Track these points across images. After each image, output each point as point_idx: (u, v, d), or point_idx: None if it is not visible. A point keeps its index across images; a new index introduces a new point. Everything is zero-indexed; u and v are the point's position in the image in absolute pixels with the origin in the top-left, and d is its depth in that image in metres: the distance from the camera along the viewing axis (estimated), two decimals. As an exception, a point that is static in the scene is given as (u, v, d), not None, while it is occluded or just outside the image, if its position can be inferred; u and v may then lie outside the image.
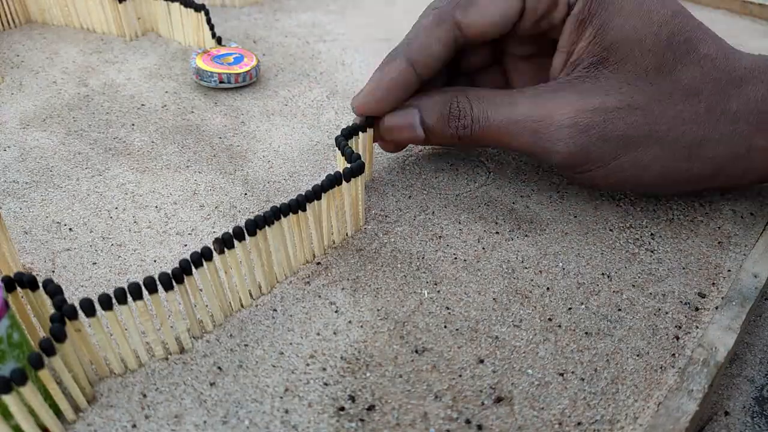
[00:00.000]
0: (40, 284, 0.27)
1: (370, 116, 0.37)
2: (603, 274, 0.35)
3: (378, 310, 0.32)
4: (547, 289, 0.34)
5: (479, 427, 0.27)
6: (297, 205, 0.31)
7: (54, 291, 0.26)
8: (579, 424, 0.27)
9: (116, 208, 0.38)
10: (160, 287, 0.27)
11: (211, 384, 0.28)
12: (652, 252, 0.36)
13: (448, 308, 0.32)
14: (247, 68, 0.50)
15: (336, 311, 0.32)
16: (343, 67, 0.55)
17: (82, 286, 0.33)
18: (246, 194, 0.40)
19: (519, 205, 0.39)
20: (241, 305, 0.32)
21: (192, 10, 0.54)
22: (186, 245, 0.36)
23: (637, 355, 0.30)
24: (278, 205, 0.31)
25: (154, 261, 0.35)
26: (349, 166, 0.34)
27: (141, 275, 0.34)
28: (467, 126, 0.36)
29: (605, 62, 0.34)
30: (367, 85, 0.37)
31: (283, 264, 0.33)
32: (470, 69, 0.41)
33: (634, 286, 0.34)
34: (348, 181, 0.33)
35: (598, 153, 0.34)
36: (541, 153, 0.35)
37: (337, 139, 0.36)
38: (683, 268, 0.35)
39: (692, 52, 0.33)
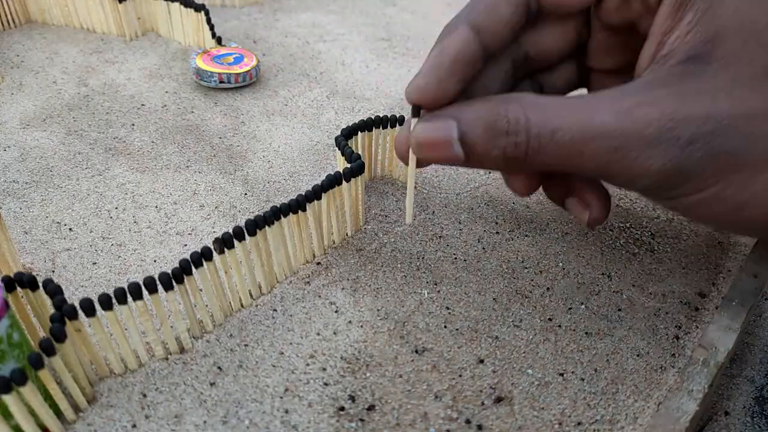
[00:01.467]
0: (40, 284, 0.27)
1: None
2: (603, 274, 0.35)
3: (378, 310, 0.32)
4: (547, 289, 0.34)
5: (479, 427, 0.27)
6: (297, 205, 0.31)
7: (54, 291, 0.26)
8: (579, 424, 0.27)
9: (116, 208, 0.38)
10: (160, 287, 0.27)
11: (211, 384, 0.28)
12: (652, 252, 0.36)
13: (448, 308, 0.32)
14: (247, 68, 0.50)
15: (336, 311, 0.32)
16: (343, 67, 0.55)
17: (82, 286, 0.33)
18: (246, 194, 0.40)
19: (519, 205, 0.39)
20: (241, 305, 0.32)
21: (192, 10, 0.54)
22: (186, 245, 0.36)
23: (637, 355, 0.30)
24: (278, 205, 0.31)
25: (154, 261, 0.35)
26: (349, 166, 0.34)
27: (141, 275, 0.34)
28: (521, 144, 0.26)
29: (709, 56, 0.26)
30: (424, 66, 0.28)
31: (283, 264, 0.33)
32: (552, 91, 0.34)
33: (634, 286, 0.34)
34: (348, 181, 0.33)
35: (697, 174, 0.25)
36: (623, 175, 0.26)
37: (337, 139, 0.36)
38: (683, 268, 0.35)
39: None
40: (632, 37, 0.30)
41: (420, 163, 0.31)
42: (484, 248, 0.36)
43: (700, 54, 0.26)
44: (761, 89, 0.25)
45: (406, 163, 0.31)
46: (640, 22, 0.29)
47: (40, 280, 0.31)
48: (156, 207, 0.38)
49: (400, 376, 0.29)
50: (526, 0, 0.29)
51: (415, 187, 0.40)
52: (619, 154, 0.25)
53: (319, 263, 0.34)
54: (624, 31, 0.31)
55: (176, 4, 0.54)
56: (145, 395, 0.27)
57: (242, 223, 0.30)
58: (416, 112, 0.29)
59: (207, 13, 0.53)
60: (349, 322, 0.31)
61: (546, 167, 0.27)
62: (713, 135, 0.25)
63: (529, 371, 0.29)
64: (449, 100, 0.28)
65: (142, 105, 0.48)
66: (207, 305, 0.30)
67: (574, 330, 0.31)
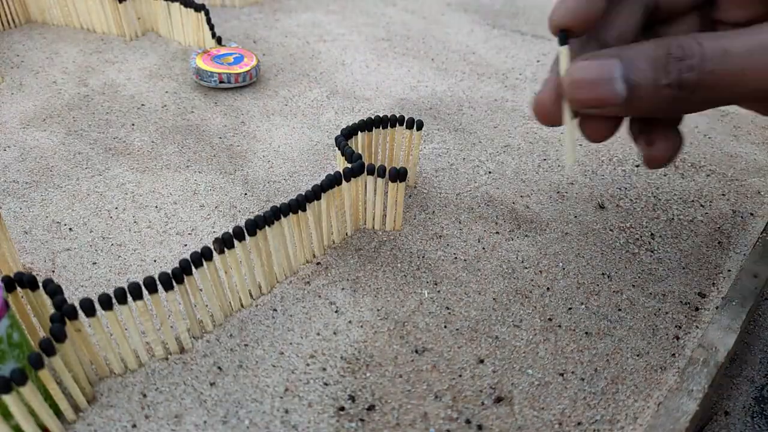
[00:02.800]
0: (40, 284, 0.27)
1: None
2: (603, 274, 0.35)
3: (378, 310, 0.32)
4: (547, 289, 0.34)
5: (479, 427, 0.27)
6: (297, 205, 0.31)
7: (54, 291, 0.26)
8: (579, 424, 0.27)
9: (116, 208, 0.38)
10: (160, 287, 0.27)
11: (211, 384, 0.28)
12: (652, 252, 0.36)
13: (448, 308, 0.32)
14: (247, 68, 0.50)
15: (336, 311, 0.32)
16: (343, 67, 0.55)
17: (82, 286, 0.33)
18: (246, 194, 0.40)
19: (519, 205, 0.39)
20: (241, 305, 0.32)
21: (192, 10, 0.54)
22: (186, 245, 0.36)
23: (637, 355, 0.30)
24: (278, 205, 0.31)
25: (154, 261, 0.35)
26: (349, 165, 0.34)
27: (141, 275, 0.34)
28: (695, 66, 0.26)
29: None
30: None
31: (283, 264, 0.33)
32: None
33: (634, 286, 0.34)
34: (348, 180, 0.33)
35: None
36: None
37: (337, 139, 0.36)
38: (683, 268, 0.35)
39: None
40: None
41: (595, 128, 0.30)
42: (484, 248, 0.36)
43: None
44: None
45: (551, 124, 0.30)
46: None
47: (40, 280, 0.31)
48: (156, 207, 0.38)
49: (400, 376, 0.29)
50: None
51: (416, 186, 0.40)
52: None
53: (319, 263, 0.34)
54: None
55: (176, 4, 0.54)
56: (145, 395, 0.27)
57: (242, 223, 0.30)
58: (564, 39, 0.28)
59: (207, 13, 0.53)
60: (349, 322, 0.31)
61: (719, 94, 0.27)
62: None
63: (529, 371, 0.29)
64: (594, 23, 0.28)
65: (142, 105, 0.48)
66: (207, 305, 0.30)
67: (574, 330, 0.31)
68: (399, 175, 0.34)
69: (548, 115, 0.31)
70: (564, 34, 0.28)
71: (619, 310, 0.33)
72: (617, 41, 0.30)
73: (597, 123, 0.30)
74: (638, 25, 0.31)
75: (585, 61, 0.28)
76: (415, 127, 0.38)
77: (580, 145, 0.45)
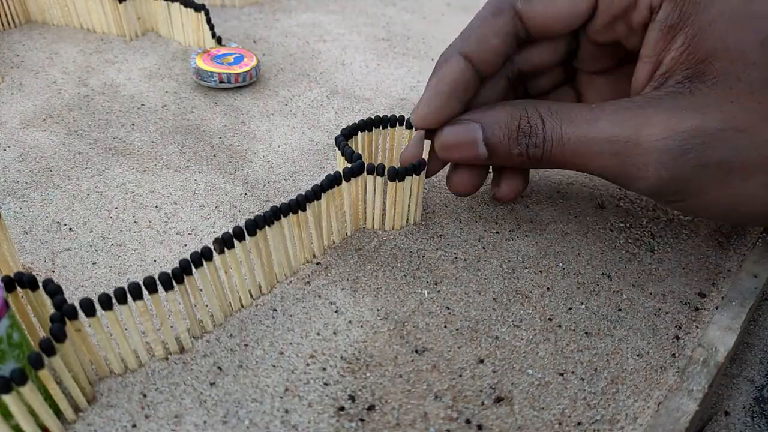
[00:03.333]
0: (40, 284, 0.27)
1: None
2: (603, 274, 0.35)
3: (378, 309, 0.32)
4: (547, 289, 0.34)
5: (479, 427, 0.27)
6: (297, 205, 0.31)
7: (54, 291, 0.26)
8: (579, 424, 0.27)
9: (116, 208, 0.38)
10: (160, 287, 0.27)
11: (211, 384, 0.28)
12: (652, 252, 0.36)
13: (448, 308, 0.32)
14: (247, 68, 0.50)
15: (336, 311, 0.32)
16: (343, 67, 0.55)
17: (82, 286, 0.33)
18: (246, 194, 0.40)
19: (519, 205, 0.39)
20: (241, 305, 0.32)
21: (192, 10, 0.54)
22: (186, 245, 0.36)
23: (637, 355, 0.30)
24: (278, 205, 0.31)
25: (154, 261, 0.35)
26: (349, 166, 0.34)
27: (141, 275, 0.34)
28: (538, 145, 0.31)
29: (702, 76, 0.28)
30: (425, 94, 0.33)
31: (283, 264, 0.33)
32: (539, 91, 0.37)
33: (634, 286, 0.34)
34: (348, 180, 0.33)
35: (693, 182, 0.29)
36: (624, 179, 0.30)
37: (337, 139, 0.36)
38: (683, 268, 0.35)
39: None
40: (617, 47, 0.33)
41: (433, 171, 0.36)
42: (484, 248, 0.36)
43: (695, 74, 0.28)
44: (747, 105, 0.28)
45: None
46: (626, 40, 0.32)
47: (40, 280, 0.31)
48: (156, 207, 0.38)
49: (400, 376, 0.29)
50: (514, 30, 0.32)
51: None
52: (618, 160, 0.29)
53: (319, 263, 0.34)
54: (610, 45, 0.33)
55: (176, 4, 0.54)
56: (145, 395, 0.27)
57: (242, 223, 0.30)
58: (428, 134, 0.34)
59: (207, 13, 0.53)
60: (349, 322, 0.31)
61: (561, 166, 0.32)
62: (704, 146, 0.28)
63: (529, 371, 0.29)
64: (448, 120, 0.33)
65: (142, 105, 0.48)
66: (207, 305, 0.30)
67: (574, 330, 0.31)
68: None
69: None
70: (429, 131, 0.33)
71: (619, 310, 0.33)
72: (481, 105, 0.34)
73: (462, 176, 0.35)
74: (503, 93, 0.35)
75: (452, 127, 0.33)
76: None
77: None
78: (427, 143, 0.35)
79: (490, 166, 0.38)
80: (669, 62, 0.29)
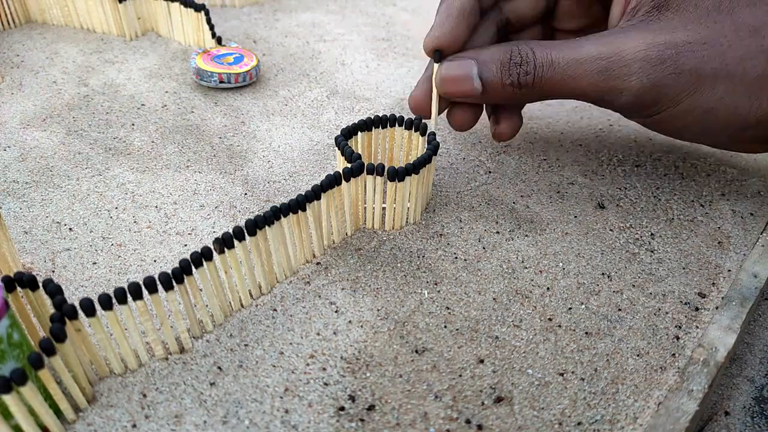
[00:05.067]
0: (40, 284, 0.27)
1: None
2: (603, 274, 0.35)
3: (378, 309, 0.32)
4: (547, 289, 0.34)
5: (479, 427, 0.27)
6: (297, 205, 0.31)
7: (54, 291, 0.26)
8: (579, 424, 0.27)
9: (116, 208, 0.38)
10: (160, 287, 0.27)
11: (211, 384, 0.28)
12: (652, 252, 0.36)
13: (448, 308, 0.32)
14: (247, 68, 0.50)
15: (336, 311, 0.32)
16: (343, 67, 0.55)
17: (82, 286, 0.33)
18: (246, 194, 0.40)
19: (519, 205, 0.39)
20: (241, 305, 0.32)
21: (192, 10, 0.54)
22: (186, 245, 0.36)
23: (637, 355, 0.30)
24: (278, 205, 0.31)
25: (154, 261, 0.35)
26: (349, 166, 0.34)
27: (141, 275, 0.34)
28: (529, 72, 0.35)
29: (666, 5, 0.34)
30: (436, 19, 0.36)
31: (283, 264, 0.33)
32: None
33: (634, 286, 0.34)
34: (348, 180, 0.33)
35: (670, 89, 0.33)
36: (609, 92, 0.34)
37: (337, 139, 0.36)
38: (683, 268, 0.35)
39: None
40: (591, 3, 0.39)
41: (441, 108, 0.39)
42: (484, 248, 0.36)
43: (660, 4, 0.34)
44: (706, 24, 0.33)
45: (423, 116, 0.38)
46: None
47: (40, 280, 0.31)
48: (156, 207, 0.38)
49: (400, 376, 0.29)
50: None
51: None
52: (604, 75, 0.34)
53: (319, 263, 0.34)
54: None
55: (176, 4, 0.54)
56: (145, 395, 0.27)
57: (242, 223, 0.30)
58: (438, 58, 0.37)
59: (207, 13, 0.53)
60: (349, 322, 0.31)
61: (551, 91, 0.35)
62: (677, 56, 0.33)
63: (529, 371, 0.29)
64: (460, 44, 0.37)
65: (142, 105, 0.48)
66: (207, 305, 0.30)
67: (574, 330, 0.31)
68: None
69: (421, 110, 0.39)
70: (438, 54, 0.37)
71: (619, 310, 0.33)
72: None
73: (461, 113, 0.39)
74: (493, 38, 0.39)
75: (449, 62, 0.36)
76: (419, 131, 0.38)
77: (580, 145, 0.45)
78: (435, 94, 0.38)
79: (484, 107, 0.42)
80: None
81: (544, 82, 0.35)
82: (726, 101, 0.34)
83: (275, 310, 0.32)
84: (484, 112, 0.43)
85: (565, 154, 0.44)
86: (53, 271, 0.34)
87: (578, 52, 0.34)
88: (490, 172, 0.42)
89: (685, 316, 0.32)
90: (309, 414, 0.27)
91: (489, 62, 0.36)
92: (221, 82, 0.49)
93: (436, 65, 0.37)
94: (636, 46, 0.33)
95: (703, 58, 0.33)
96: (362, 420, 0.27)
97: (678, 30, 0.33)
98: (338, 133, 0.37)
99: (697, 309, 0.33)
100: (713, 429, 0.29)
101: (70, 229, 0.36)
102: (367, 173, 0.34)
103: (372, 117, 0.38)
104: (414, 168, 0.34)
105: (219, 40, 0.53)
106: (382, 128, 0.39)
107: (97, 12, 0.56)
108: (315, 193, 0.32)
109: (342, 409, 0.27)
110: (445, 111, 0.40)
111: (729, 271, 0.35)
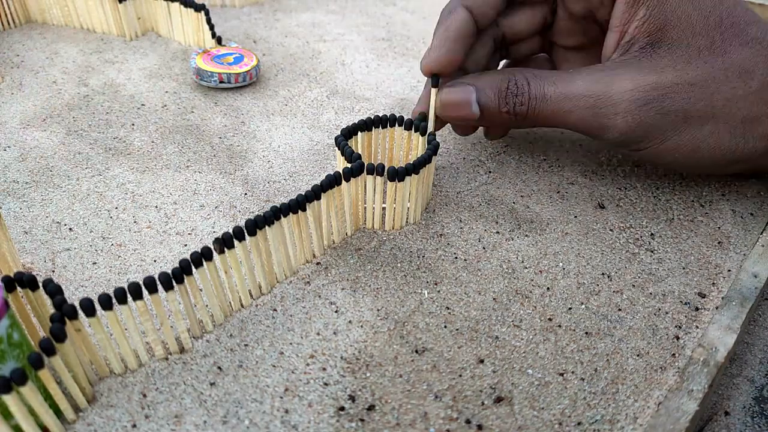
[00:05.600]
0: (40, 284, 0.27)
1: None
2: (603, 274, 0.35)
3: (378, 309, 0.32)
4: (547, 289, 0.34)
5: (479, 427, 0.27)
6: (297, 205, 0.31)
7: (54, 291, 0.26)
8: (579, 424, 0.27)
9: (116, 208, 0.38)
10: (160, 287, 0.27)
11: (211, 384, 0.28)
12: (652, 252, 0.36)
13: (448, 308, 0.32)
14: (247, 68, 0.50)
15: (336, 311, 0.32)
16: (343, 67, 0.55)
17: (82, 286, 0.33)
18: (246, 194, 0.40)
19: (519, 205, 0.39)
20: (241, 305, 0.32)
21: (192, 10, 0.54)
22: (186, 245, 0.36)
23: (637, 355, 0.30)
24: (278, 205, 0.31)
25: (154, 261, 0.35)
26: (349, 166, 0.34)
27: (141, 275, 0.34)
28: (524, 103, 0.36)
29: (659, 42, 0.35)
30: (434, 41, 0.37)
31: (283, 264, 0.33)
32: (519, 57, 0.43)
33: (634, 286, 0.34)
34: (348, 180, 0.33)
35: (656, 128, 0.35)
36: (597, 129, 0.35)
37: (337, 139, 0.36)
38: (683, 268, 0.35)
39: (741, 34, 0.35)
40: (589, 23, 0.40)
41: (438, 125, 0.39)
42: (484, 248, 0.36)
43: (654, 41, 0.35)
44: (696, 64, 0.34)
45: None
46: (597, 11, 0.38)
47: (40, 280, 0.31)
48: (156, 207, 0.38)
49: (400, 376, 0.29)
50: None
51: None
52: (592, 111, 0.35)
53: (319, 263, 0.34)
54: (583, 18, 0.39)
55: (176, 4, 0.54)
56: (145, 395, 0.27)
57: (242, 223, 0.30)
58: (435, 82, 0.37)
59: (207, 13, 0.53)
60: (349, 322, 0.31)
61: (543, 122, 0.37)
62: (663, 97, 0.34)
63: (529, 371, 0.29)
64: (457, 66, 0.38)
65: (142, 105, 0.48)
66: (207, 305, 0.30)
67: (574, 330, 0.31)
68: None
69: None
70: (436, 78, 0.37)
71: (619, 310, 0.33)
72: (474, 66, 0.40)
73: (461, 128, 0.41)
74: (489, 54, 0.41)
75: (450, 88, 0.37)
76: (419, 131, 0.38)
77: (580, 145, 0.45)
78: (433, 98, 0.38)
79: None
80: (633, 31, 0.35)
81: (536, 114, 0.36)
82: (711, 140, 0.35)
83: (275, 310, 0.32)
84: None
85: (565, 154, 0.44)
86: (53, 271, 0.34)
87: (569, 88, 0.35)
88: (490, 172, 0.42)
89: (685, 316, 0.32)
90: (309, 414, 0.27)
91: (488, 89, 0.37)
92: (221, 82, 0.49)
93: (433, 94, 0.38)
94: (624, 87, 0.34)
95: (689, 100, 0.34)
96: (362, 420, 0.27)
97: (667, 70, 0.34)
98: (338, 133, 0.37)
99: (697, 309, 0.33)
100: (713, 429, 0.29)
101: (70, 229, 0.36)
102: (367, 173, 0.34)
103: (372, 117, 0.38)
104: (414, 168, 0.34)
105: (219, 40, 0.53)
106: (382, 128, 0.39)
107: (97, 12, 0.56)
108: (315, 193, 0.32)
109: (342, 409, 0.27)
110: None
111: (729, 271, 0.35)
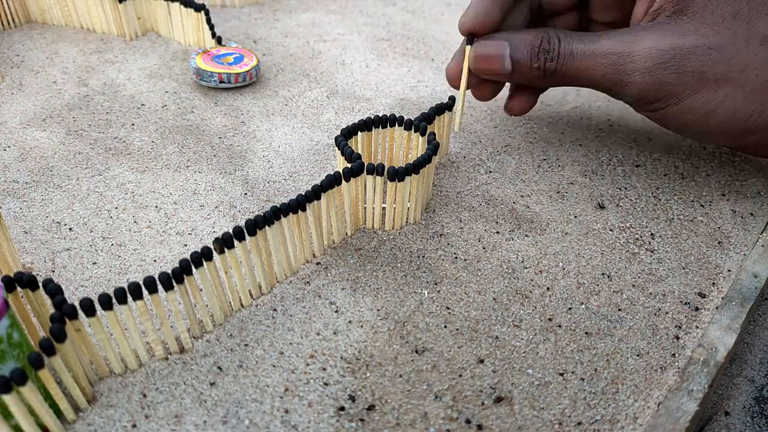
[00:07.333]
0: (40, 284, 0.27)
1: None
2: (603, 274, 0.35)
3: (378, 309, 0.32)
4: (547, 289, 0.34)
5: (479, 427, 0.27)
6: (297, 205, 0.31)
7: (54, 291, 0.26)
8: (579, 424, 0.27)
9: (116, 208, 0.38)
10: (160, 287, 0.27)
11: (211, 384, 0.28)
12: (652, 252, 0.36)
13: (448, 308, 0.32)
14: (247, 68, 0.50)
15: (336, 311, 0.32)
16: (343, 67, 0.55)
17: (82, 286, 0.33)
18: (246, 194, 0.40)
19: (519, 205, 0.39)
20: (241, 305, 0.32)
21: (192, 10, 0.54)
22: (186, 245, 0.36)
23: (637, 355, 0.30)
24: (278, 205, 0.31)
25: (154, 261, 0.35)
26: (349, 166, 0.34)
27: (141, 275, 0.34)
28: (554, 59, 0.38)
29: (685, 10, 0.36)
30: (473, 2, 0.39)
31: (283, 264, 0.33)
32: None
33: (634, 286, 0.34)
34: (348, 180, 0.33)
35: (672, 87, 0.36)
36: (617, 85, 0.37)
37: (337, 139, 0.36)
38: (683, 268, 0.35)
39: (767, 3, 0.35)
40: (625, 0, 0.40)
41: (471, 83, 0.41)
42: (484, 248, 0.36)
43: (681, 9, 0.36)
44: (718, 30, 0.35)
45: (456, 87, 0.41)
46: None
47: (40, 280, 0.31)
48: (156, 207, 0.38)
49: (400, 376, 0.29)
50: None
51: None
52: (614, 68, 0.37)
53: (319, 263, 0.34)
54: None
55: (176, 4, 0.54)
56: (145, 395, 0.27)
57: (242, 223, 0.30)
58: (470, 40, 0.40)
59: (207, 13, 0.53)
60: (349, 322, 0.31)
61: (569, 78, 0.39)
62: (681, 58, 0.35)
63: (529, 371, 0.29)
64: (494, 26, 0.39)
65: (142, 105, 0.48)
66: (207, 305, 0.30)
67: (574, 330, 0.31)
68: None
69: (453, 81, 0.42)
70: (471, 37, 0.39)
71: (619, 310, 0.33)
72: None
73: (485, 88, 0.42)
74: (525, 22, 0.42)
75: (484, 41, 0.39)
76: (419, 131, 0.38)
77: (580, 145, 0.45)
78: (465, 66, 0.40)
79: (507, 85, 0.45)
80: (660, 0, 0.37)
81: (564, 70, 0.38)
82: (727, 105, 0.35)
83: (275, 310, 0.32)
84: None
85: (565, 154, 0.44)
86: (53, 271, 0.34)
87: (595, 45, 0.37)
88: (490, 171, 0.42)
89: (685, 316, 0.32)
90: (309, 414, 0.27)
91: (520, 45, 0.38)
92: (221, 82, 0.49)
93: (467, 51, 0.39)
94: (644, 46, 0.35)
95: (707, 62, 0.35)
96: (362, 420, 0.27)
97: (688, 35, 0.35)
98: (338, 133, 0.37)
99: (697, 309, 0.33)
100: (713, 429, 0.29)
101: (70, 229, 0.36)
102: (367, 173, 0.34)
103: (372, 117, 0.38)
104: (414, 168, 0.34)
105: (219, 40, 0.53)
106: (382, 128, 0.39)
107: (97, 12, 0.56)
108: (315, 193, 0.32)
109: (342, 409, 0.27)
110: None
111: (729, 271, 0.35)
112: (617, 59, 0.36)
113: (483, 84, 0.42)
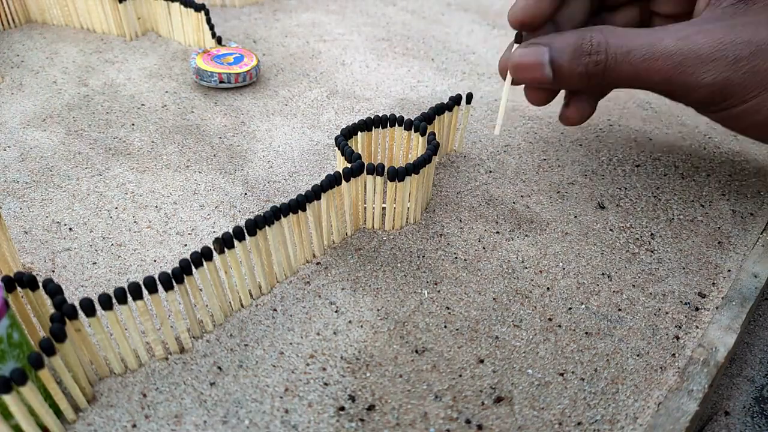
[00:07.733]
0: (40, 284, 0.27)
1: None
2: (603, 274, 0.35)
3: (378, 309, 0.32)
4: (547, 289, 0.34)
5: (479, 427, 0.27)
6: (297, 205, 0.31)
7: (54, 291, 0.26)
8: (579, 424, 0.27)
9: (116, 208, 0.38)
10: (160, 287, 0.27)
11: (211, 384, 0.28)
12: (652, 252, 0.36)
13: (448, 308, 0.32)
14: (247, 68, 0.50)
15: (336, 311, 0.32)
16: (343, 67, 0.55)
17: (82, 286, 0.33)
18: (246, 194, 0.40)
19: (519, 205, 0.39)
20: (241, 305, 0.32)
21: (192, 10, 0.54)
22: (186, 245, 0.36)
23: (637, 355, 0.30)
24: (278, 205, 0.31)
25: (154, 261, 0.35)
26: (349, 165, 0.34)
27: (141, 275, 0.34)
28: (600, 62, 0.34)
29: None
30: None
31: (283, 264, 0.33)
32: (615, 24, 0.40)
33: (634, 286, 0.34)
34: (348, 180, 0.33)
35: (742, 87, 0.33)
36: (682, 87, 0.34)
37: (337, 139, 0.36)
38: (683, 268, 0.35)
39: None
40: None
41: (516, 82, 0.38)
42: (484, 248, 0.36)
43: None
44: None
45: (505, 79, 0.38)
46: None
47: (40, 280, 0.31)
48: (156, 207, 0.38)
49: (400, 376, 0.29)
50: None
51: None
52: (678, 70, 0.33)
53: (319, 263, 0.34)
54: None
55: (176, 4, 0.54)
56: (145, 395, 0.27)
57: (242, 223, 0.30)
58: (518, 38, 0.37)
59: (207, 13, 0.53)
60: (349, 322, 0.31)
61: (621, 81, 0.35)
62: (754, 56, 0.32)
63: (529, 371, 0.29)
64: (546, 18, 0.36)
65: (142, 105, 0.48)
66: (207, 305, 0.30)
67: (574, 330, 0.31)
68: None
69: (504, 75, 0.39)
70: (519, 34, 0.37)
71: (619, 310, 0.33)
72: (569, 24, 0.38)
73: (536, 92, 0.39)
74: (586, 12, 0.39)
75: (522, 49, 0.36)
76: (419, 131, 0.38)
77: (580, 145, 0.45)
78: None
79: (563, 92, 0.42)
80: None
81: (616, 71, 0.34)
82: None
83: (275, 310, 0.32)
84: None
85: (565, 154, 0.44)
86: (53, 271, 0.34)
87: (656, 44, 0.33)
88: (490, 171, 0.42)
89: (685, 316, 0.32)
90: (309, 414, 0.27)
91: (561, 49, 0.35)
92: (221, 82, 0.49)
93: (515, 45, 0.37)
94: (713, 44, 0.32)
95: None
96: (362, 420, 0.27)
97: (761, 27, 0.32)
98: (338, 133, 0.37)
99: (697, 309, 0.33)
100: (713, 429, 0.29)
101: (70, 229, 0.36)
102: (367, 173, 0.34)
103: (372, 117, 0.38)
104: (414, 168, 0.34)
105: (219, 40, 0.53)
106: (382, 128, 0.39)
107: (97, 12, 0.56)
108: (315, 193, 0.32)
109: (342, 409, 0.27)
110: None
111: (729, 271, 0.35)
112: (684, 60, 0.33)
113: (533, 89, 0.39)
